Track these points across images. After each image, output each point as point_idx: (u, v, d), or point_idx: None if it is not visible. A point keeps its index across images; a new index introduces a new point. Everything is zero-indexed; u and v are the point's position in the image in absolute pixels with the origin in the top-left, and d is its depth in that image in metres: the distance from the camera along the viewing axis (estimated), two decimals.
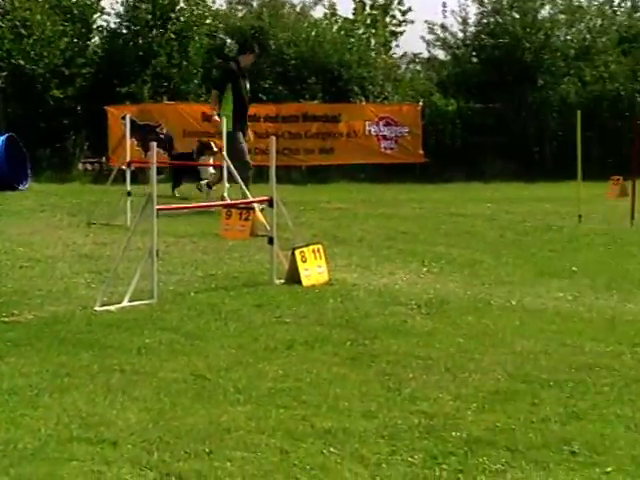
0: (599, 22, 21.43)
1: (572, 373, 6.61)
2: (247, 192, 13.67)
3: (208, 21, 20.98)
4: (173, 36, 19.87)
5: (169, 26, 19.93)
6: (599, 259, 10.98)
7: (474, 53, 21.72)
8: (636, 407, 5.88)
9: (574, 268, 10.37)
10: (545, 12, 21.43)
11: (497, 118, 20.21)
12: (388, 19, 21.68)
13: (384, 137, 19.47)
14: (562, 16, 21.31)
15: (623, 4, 22.13)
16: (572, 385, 6.34)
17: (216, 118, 14.90)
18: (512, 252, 11.43)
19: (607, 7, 21.79)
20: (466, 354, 7.07)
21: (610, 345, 7.31)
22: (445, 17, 21.77)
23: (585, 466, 4.96)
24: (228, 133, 14.42)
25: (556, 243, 12.04)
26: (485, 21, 21.39)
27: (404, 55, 22.35)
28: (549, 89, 20.48)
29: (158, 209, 8.38)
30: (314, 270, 9.33)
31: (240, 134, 14.76)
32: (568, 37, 21.47)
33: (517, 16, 20.81)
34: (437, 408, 5.83)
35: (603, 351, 7.16)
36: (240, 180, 13.08)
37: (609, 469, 4.91)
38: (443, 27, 21.53)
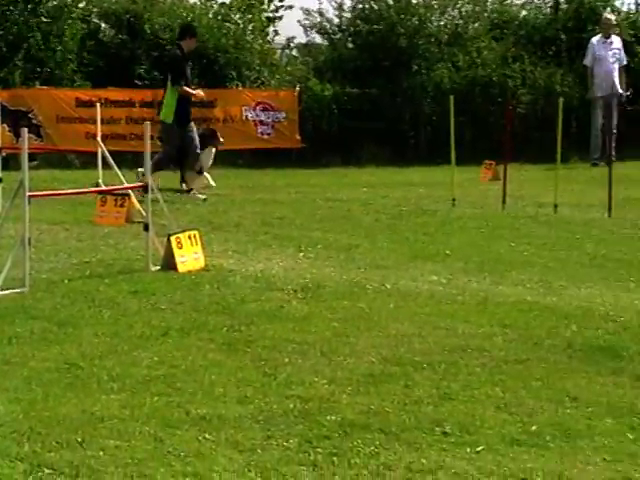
0: (470, 8, 21.75)
1: (445, 355, 6.73)
2: (210, 179, 14.19)
3: (81, 5, 20.65)
4: (45, 20, 19.50)
5: (40, 9, 19.56)
6: (472, 242, 11.16)
7: (350, 39, 21.83)
8: (506, 387, 6.02)
9: (447, 251, 10.52)
10: None
11: (373, 103, 20.35)
12: (265, 5, 21.62)
13: (261, 122, 19.47)
14: (435, 2, 21.56)
15: None
16: (445, 367, 6.45)
17: (200, 93, 14.93)
18: (387, 236, 11.53)
19: None
20: (341, 338, 7.13)
21: (482, 327, 7.45)
22: (321, 3, 21.80)
23: (456, 446, 5.06)
24: (165, 124, 14.47)
25: (430, 227, 12.20)
26: (360, 6, 21.52)
27: (280, 40, 22.34)
28: (423, 74, 20.71)
29: (30, 196, 8.23)
30: (190, 256, 9.28)
31: (192, 123, 14.66)
32: (441, 23, 21.72)
33: (391, 2, 20.98)
34: (312, 392, 5.87)
35: (475, 333, 7.29)
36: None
37: (479, 448, 5.01)
38: (320, 13, 21.61)
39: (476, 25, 21.48)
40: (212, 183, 14.67)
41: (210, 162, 15.16)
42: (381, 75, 20.75)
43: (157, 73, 19.12)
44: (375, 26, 21.03)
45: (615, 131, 18.34)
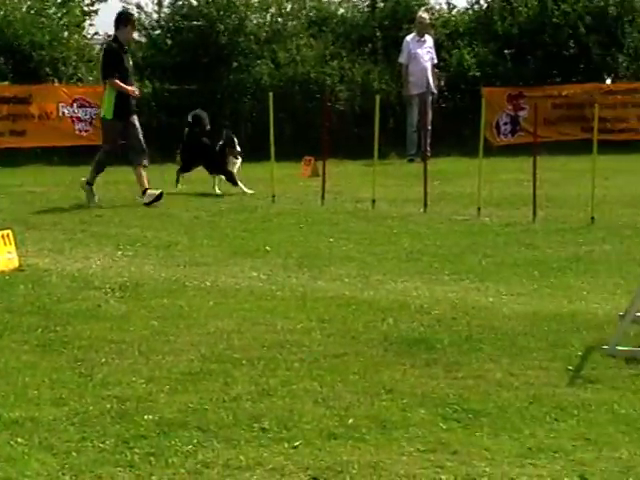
0: (289, 6, 21.88)
1: (264, 351, 6.75)
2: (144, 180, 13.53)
3: None
4: None
5: None
6: (291, 238, 11.23)
7: (169, 35, 21.64)
8: (324, 382, 6.08)
9: (267, 247, 10.56)
10: None
11: (192, 100, 20.26)
12: None
13: (78, 119, 19.13)
14: (256, 0, 21.59)
15: None
16: (264, 363, 6.48)
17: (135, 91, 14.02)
18: (207, 233, 11.50)
19: None
20: (160, 336, 7.08)
21: (301, 322, 7.51)
22: None
23: (274, 441, 5.09)
24: (105, 120, 13.85)
25: (250, 223, 12.22)
26: (179, 3, 21.36)
27: (97, 34, 21.92)
28: (243, 71, 20.72)
29: None
30: (3, 256, 9.07)
31: (134, 117, 13.88)
32: (261, 20, 21.77)
33: None
34: (130, 392, 5.81)
35: (294, 328, 7.35)
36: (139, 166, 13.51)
37: (297, 443, 5.05)
38: (138, 7, 21.32)
39: (295, 22, 21.59)
40: (247, 190, 14.50)
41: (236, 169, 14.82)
42: (201, 72, 20.66)
43: None
44: (195, 22, 20.91)
45: (430, 128, 18.75)
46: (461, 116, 20.66)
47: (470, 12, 22.35)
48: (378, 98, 13.86)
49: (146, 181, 13.69)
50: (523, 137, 19.74)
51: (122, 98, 13.68)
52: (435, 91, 19.49)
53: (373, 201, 13.29)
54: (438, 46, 20.07)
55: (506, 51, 21.16)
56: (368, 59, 21.09)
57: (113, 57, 13.88)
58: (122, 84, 13.66)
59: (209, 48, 20.77)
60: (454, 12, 22.37)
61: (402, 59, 19.35)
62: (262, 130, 14.67)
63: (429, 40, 19.36)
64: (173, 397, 5.74)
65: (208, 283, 8.83)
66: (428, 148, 17.61)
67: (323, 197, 13.73)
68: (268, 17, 21.82)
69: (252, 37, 21.07)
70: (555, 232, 11.48)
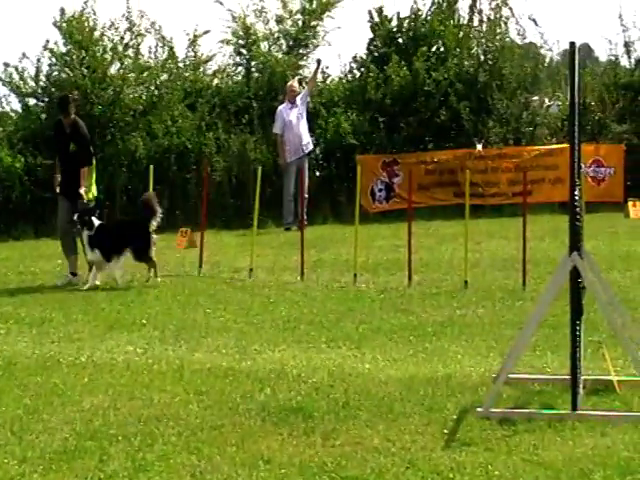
0: (165, 77, 21.93)
1: (140, 426, 6.68)
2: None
3: None
4: None
5: None
6: (168, 310, 11.16)
7: (43, 106, 21.44)
8: (202, 454, 6.04)
9: (144, 320, 10.48)
10: (114, 69, 21.58)
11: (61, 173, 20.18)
12: None
13: None
14: (131, 74, 21.56)
15: (187, 60, 22.74)
16: (140, 438, 6.41)
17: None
18: (82, 308, 11.36)
19: (172, 64, 22.31)
20: (34, 415, 6.95)
21: (178, 395, 7.46)
22: (20, 60, 21.13)
23: None
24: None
25: (127, 296, 12.11)
26: (55, 74, 21.21)
27: None
28: (118, 143, 20.63)
29: None
30: None
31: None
32: (137, 94, 21.75)
33: (86, 72, 20.81)
34: (1, 474, 5.67)
35: (171, 401, 7.29)
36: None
37: None
38: (19, 72, 21.00)
39: (171, 94, 21.62)
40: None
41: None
42: None
43: None
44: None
45: (307, 195, 18.92)
46: (337, 183, 20.92)
47: (344, 81, 22.71)
48: (260, 169, 14.04)
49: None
50: (398, 203, 20.02)
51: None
52: (311, 147, 19.70)
53: (250, 270, 13.31)
54: (314, 115, 20.34)
55: (380, 118, 21.51)
56: (244, 129, 21.24)
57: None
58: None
59: (83, 120, 20.64)
60: (328, 81, 22.70)
61: (277, 129, 19.53)
62: (138, 202, 14.55)
63: (298, 101, 19.54)
64: (47, 477, 5.64)
65: (83, 359, 8.72)
66: (305, 216, 17.79)
67: (200, 266, 13.68)
68: (144, 89, 21.82)
69: (127, 109, 21.03)
70: (430, 296, 11.64)
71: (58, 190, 13.57)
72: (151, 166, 14.52)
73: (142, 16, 21.45)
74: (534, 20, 22.92)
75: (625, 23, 23.08)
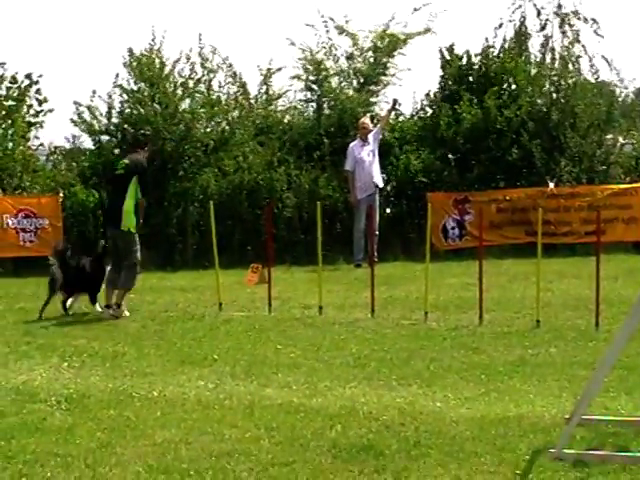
0: (236, 114, 22.17)
1: (212, 461, 6.72)
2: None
3: None
4: None
5: None
6: (239, 346, 11.21)
7: (116, 142, 21.76)
8: None
9: (215, 356, 10.54)
10: (185, 105, 21.87)
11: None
12: (25, 110, 21.30)
13: (23, 230, 19.15)
14: (202, 110, 21.82)
15: (259, 96, 22.98)
16: (212, 473, 6.45)
17: None
18: (154, 342, 11.46)
19: (244, 100, 22.55)
20: (107, 448, 7.02)
21: (249, 430, 7.49)
22: (92, 101, 21.52)
23: None
24: (127, 233, 13.59)
25: (198, 332, 12.19)
26: (128, 111, 21.53)
27: (42, 145, 22.00)
28: (190, 179, 20.86)
29: None
30: None
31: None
32: (208, 129, 22.00)
33: (158, 107, 21.10)
34: None
35: (242, 437, 7.32)
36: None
37: None
38: (91, 111, 21.39)
39: (242, 130, 21.83)
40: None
41: None
42: (147, 181, 20.77)
43: None
44: (142, 131, 21.08)
45: (377, 233, 18.95)
46: (407, 221, 20.92)
47: (416, 119, 22.75)
48: (319, 204, 14.01)
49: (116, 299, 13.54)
50: (469, 241, 19.98)
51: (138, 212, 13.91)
52: (381, 184, 19.71)
53: (320, 307, 13.33)
54: (387, 153, 20.39)
55: (451, 156, 21.49)
56: (315, 165, 21.34)
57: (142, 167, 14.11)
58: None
59: (155, 156, 20.92)
60: (401, 118, 22.76)
61: (348, 166, 19.57)
62: (209, 238, 14.69)
63: (370, 138, 19.60)
64: None
65: (155, 393, 8.79)
66: (375, 253, 17.79)
67: (270, 303, 13.73)
68: (215, 125, 22.05)
69: (198, 144, 21.26)
70: (501, 335, 11.56)
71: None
72: (211, 202, 14.66)
73: (214, 52, 21.69)
74: (607, 60, 22.82)
75: None
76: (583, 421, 7.12)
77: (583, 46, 22.59)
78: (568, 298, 14.01)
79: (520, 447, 6.89)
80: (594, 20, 22.59)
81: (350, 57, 22.57)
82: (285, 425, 7.63)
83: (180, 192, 20.71)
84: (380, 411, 8.02)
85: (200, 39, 21.61)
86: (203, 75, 21.70)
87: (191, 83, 21.58)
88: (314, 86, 22.56)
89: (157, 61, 21.45)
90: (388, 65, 22.49)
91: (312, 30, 22.44)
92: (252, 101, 22.70)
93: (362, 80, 22.48)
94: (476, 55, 22.39)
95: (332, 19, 22.40)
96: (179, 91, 21.53)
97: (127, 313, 13.40)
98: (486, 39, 22.44)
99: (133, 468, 6.54)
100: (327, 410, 8.10)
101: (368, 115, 21.24)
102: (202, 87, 21.73)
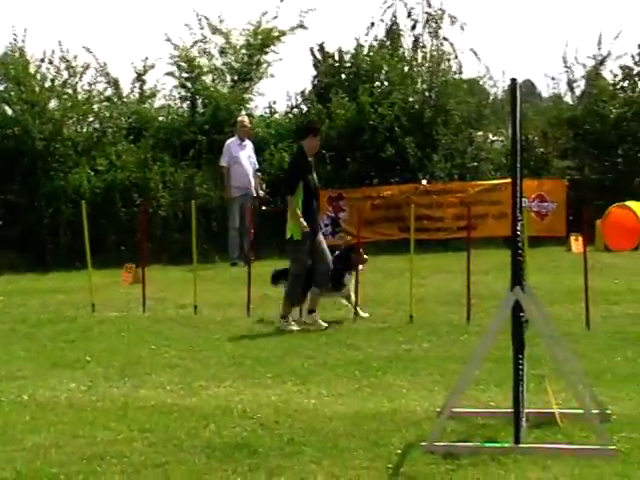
0: (109, 113, 21.87)
1: (83, 464, 6.63)
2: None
3: None
4: None
5: None
6: (113, 347, 11.08)
7: None
8: None
9: (88, 357, 10.40)
10: (54, 104, 21.50)
11: (9, 209, 20.06)
12: None
13: None
14: (71, 108, 21.46)
15: (132, 95, 22.71)
16: (83, 477, 6.37)
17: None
18: (25, 345, 11.25)
19: (115, 98, 22.28)
20: None
21: (122, 432, 7.41)
22: None
23: None
24: (293, 241, 12.49)
25: (70, 333, 11.99)
26: None
27: None
28: (62, 179, 20.51)
29: None
30: None
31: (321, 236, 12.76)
32: (79, 128, 21.67)
33: (26, 106, 20.71)
34: None
35: (115, 439, 7.24)
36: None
37: None
38: None
39: (115, 129, 21.56)
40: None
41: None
42: (18, 180, 20.41)
43: None
44: (10, 130, 20.69)
45: (253, 231, 18.92)
46: (282, 218, 20.88)
47: (290, 116, 22.79)
48: (194, 203, 13.90)
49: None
50: (343, 238, 20.08)
51: (308, 214, 12.48)
52: (261, 193, 19.67)
53: (195, 307, 13.25)
54: (259, 149, 20.35)
55: (325, 153, 21.58)
56: (190, 163, 21.20)
57: (300, 170, 12.43)
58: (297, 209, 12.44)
59: (25, 156, 20.52)
60: (275, 116, 22.77)
61: (224, 162, 19.48)
62: (82, 238, 14.47)
63: (250, 145, 19.62)
64: None
65: (25, 397, 8.63)
66: (251, 251, 17.76)
67: (144, 303, 13.59)
68: (86, 124, 21.75)
69: (69, 144, 20.91)
70: (375, 331, 11.67)
71: None
72: (83, 201, 14.48)
73: (87, 50, 21.46)
74: (474, 52, 23.24)
75: (569, 64, 23.44)
76: (454, 414, 7.23)
77: (451, 44, 22.95)
78: (441, 293, 14.22)
79: (393, 441, 6.96)
80: (455, 17, 22.94)
81: (224, 54, 22.49)
82: (159, 426, 7.56)
83: (52, 191, 20.37)
84: (255, 409, 8.01)
85: (60, 44, 21.42)
86: (70, 75, 21.37)
87: (57, 82, 21.24)
88: (187, 83, 22.43)
89: (21, 59, 21.10)
90: (261, 61, 22.47)
91: (187, 29, 22.33)
92: (125, 99, 22.46)
93: (236, 77, 22.43)
94: (348, 53, 22.55)
95: (206, 18, 22.31)
96: (46, 90, 21.17)
97: None
98: (356, 38, 22.67)
99: (1, 474, 6.40)
100: (201, 410, 8.06)
101: (244, 113, 21.24)
102: (69, 87, 21.40)
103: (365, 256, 13.22)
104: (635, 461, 6.38)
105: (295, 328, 11.99)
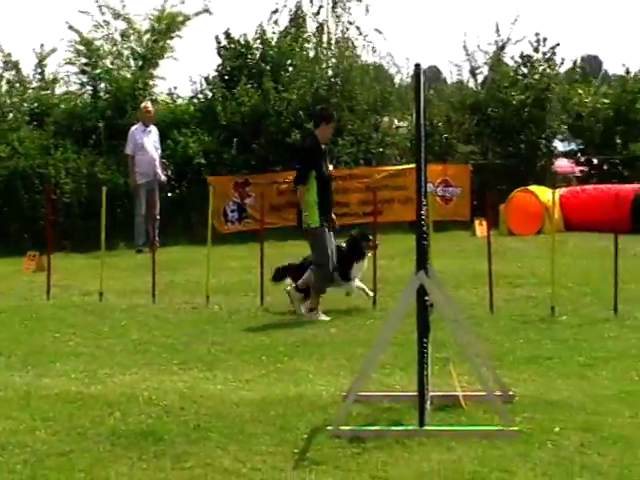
0: (9, 99, 21.52)
1: None
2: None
3: None
4: None
5: None
6: (16, 336, 10.91)
7: None
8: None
9: None
10: None
11: None
12: None
13: None
14: None
15: (34, 81, 22.36)
16: None
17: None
18: None
19: (17, 84, 21.94)
20: None
21: (24, 422, 7.31)
22: None
23: None
24: (311, 229, 11.80)
25: None
26: None
27: None
28: None
29: None
30: None
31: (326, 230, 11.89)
32: None
33: None
34: None
35: (17, 428, 7.14)
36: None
37: None
38: None
39: (16, 115, 21.21)
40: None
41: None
42: None
43: None
44: None
45: (158, 217, 18.81)
46: (189, 205, 20.80)
47: (195, 101, 22.66)
48: (104, 189, 13.72)
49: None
50: (250, 224, 20.08)
51: (324, 204, 11.97)
52: (164, 179, 19.53)
53: (101, 294, 13.11)
54: (163, 135, 20.18)
55: (232, 139, 21.48)
56: (93, 150, 20.95)
57: (312, 158, 11.98)
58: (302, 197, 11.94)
59: None
60: (179, 102, 22.61)
61: (128, 150, 19.29)
62: None
63: (154, 130, 19.46)
64: None
65: None
66: (157, 238, 17.67)
67: (49, 292, 13.40)
68: None
69: None
70: (283, 317, 11.68)
71: None
72: None
73: None
74: (379, 31, 23.47)
75: (470, 52, 23.74)
76: (360, 398, 7.27)
77: (357, 27, 23.08)
78: None
79: (299, 426, 6.98)
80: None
81: (126, 39, 22.24)
82: (62, 415, 7.47)
83: None
84: (160, 396, 7.96)
85: None
86: None
87: None
88: (87, 68, 22.14)
89: None
90: (166, 47, 22.29)
91: (88, 14, 22.04)
92: (27, 84, 22.11)
93: (140, 62, 22.20)
94: (253, 39, 22.49)
95: (107, 5, 22.05)
96: None
97: None
98: (261, 24, 22.63)
99: None
100: (106, 397, 7.98)
101: (148, 99, 21.04)
102: None
103: (376, 242, 12.66)
104: (536, 441, 6.49)
105: (325, 318, 11.60)
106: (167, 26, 22.06)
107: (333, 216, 12.20)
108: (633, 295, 12.00)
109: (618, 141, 23.76)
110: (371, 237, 12.58)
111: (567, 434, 6.64)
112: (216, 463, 6.23)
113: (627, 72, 25.10)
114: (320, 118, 12.19)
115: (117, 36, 22.14)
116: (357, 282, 12.32)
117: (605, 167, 24.05)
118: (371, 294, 12.23)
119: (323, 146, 12.22)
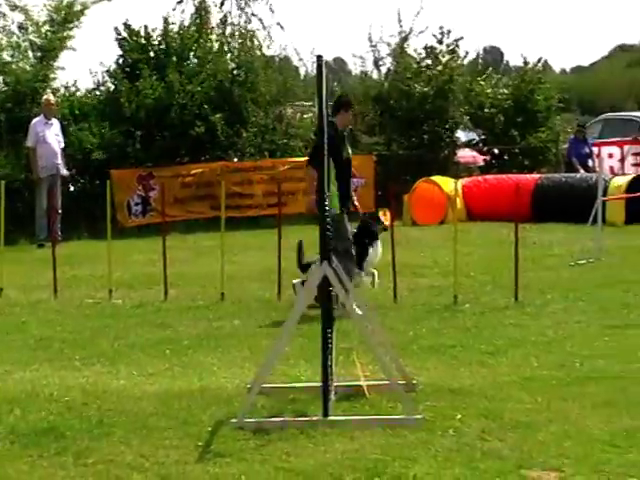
0: None
1: None
2: None
3: None
4: None
5: None
6: None
7: None
8: None
9: None
10: None
11: None
12: None
13: None
14: None
15: None
16: None
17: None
18: None
19: None
20: None
21: None
22: None
23: None
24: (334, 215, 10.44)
25: None
26: None
27: None
28: None
29: None
30: None
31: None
32: None
33: None
34: None
35: None
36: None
37: None
38: None
39: None
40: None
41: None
42: None
43: None
44: None
45: (60, 211, 18.56)
46: (91, 198, 20.53)
47: (97, 93, 22.39)
48: (3, 183, 13.47)
49: None
50: (154, 217, 19.93)
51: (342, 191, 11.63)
52: (65, 173, 19.27)
53: (0, 289, 12.88)
54: (64, 128, 19.89)
55: (134, 131, 21.27)
56: None
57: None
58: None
59: None
60: (79, 93, 22.31)
61: (30, 143, 19.00)
62: None
63: (56, 123, 19.19)
64: None
65: None
66: (59, 232, 17.43)
67: None
68: None
69: None
70: (187, 310, 11.62)
71: None
72: None
73: None
74: (281, 25, 23.56)
75: (374, 43, 23.89)
76: (264, 390, 7.26)
77: (260, 19, 23.06)
78: (252, 270, 14.26)
79: (203, 419, 6.94)
80: None
81: (24, 31, 21.84)
82: None
83: None
84: (62, 392, 7.85)
85: None
86: None
87: None
88: None
89: None
90: (65, 37, 21.93)
91: None
92: None
93: (39, 54, 21.83)
94: (155, 30, 22.29)
95: None
96: None
97: None
98: (164, 16, 22.45)
99: None
100: (6, 395, 7.84)
101: (49, 91, 20.73)
102: None
103: (387, 222, 12.43)
104: (439, 429, 6.55)
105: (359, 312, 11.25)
106: (65, 16, 21.71)
107: (355, 202, 12.11)
108: (533, 283, 12.20)
109: (517, 132, 24.16)
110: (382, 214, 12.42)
111: (468, 421, 6.71)
112: (119, 458, 6.17)
113: (525, 63, 25.54)
114: (339, 105, 11.98)
115: (15, 28, 21.75)
116: (371, 269, 12.00)
117: (506, 157, 24.42)
118: (377, 281, 11.95)
119: (345, 133, 12.04)
